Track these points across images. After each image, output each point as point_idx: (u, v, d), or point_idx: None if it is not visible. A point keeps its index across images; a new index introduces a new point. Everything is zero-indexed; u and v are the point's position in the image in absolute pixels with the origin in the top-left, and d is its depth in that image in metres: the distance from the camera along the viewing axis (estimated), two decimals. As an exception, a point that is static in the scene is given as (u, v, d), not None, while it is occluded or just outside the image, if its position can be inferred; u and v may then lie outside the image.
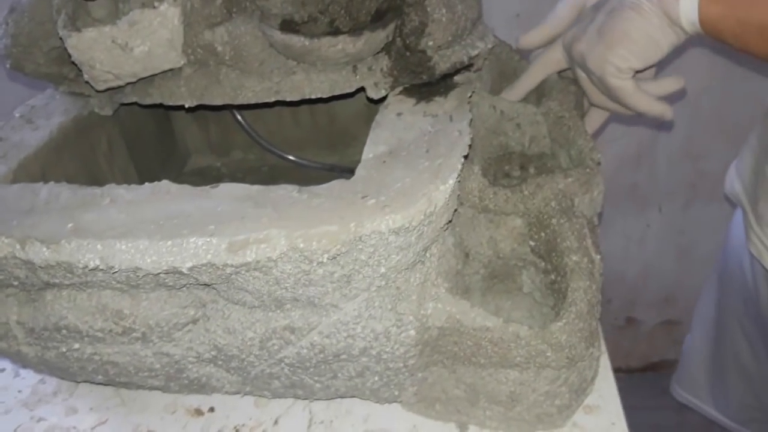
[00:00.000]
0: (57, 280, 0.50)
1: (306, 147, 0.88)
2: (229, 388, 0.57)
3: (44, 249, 0.47)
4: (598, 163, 0.63)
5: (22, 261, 0.48)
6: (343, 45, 0.58)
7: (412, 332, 0.50)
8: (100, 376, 0.57)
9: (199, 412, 0.60)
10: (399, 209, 0.45)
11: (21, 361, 0.58)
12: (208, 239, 0.45)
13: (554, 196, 0.58)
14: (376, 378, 0.54)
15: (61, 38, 0.62)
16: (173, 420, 0.59)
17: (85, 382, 0.61)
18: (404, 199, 0.46)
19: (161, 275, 0.47)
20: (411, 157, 0.51)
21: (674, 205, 1.45)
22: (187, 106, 0.64)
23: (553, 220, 0.57)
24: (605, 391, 0.57)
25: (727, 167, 0.84)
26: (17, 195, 0.53)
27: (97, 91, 0.64)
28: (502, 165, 0.69)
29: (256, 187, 0.51)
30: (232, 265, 0.45)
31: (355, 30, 0.61)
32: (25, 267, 0.49)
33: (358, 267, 0.46)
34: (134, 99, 0.66)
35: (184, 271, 0.46)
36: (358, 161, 0.88)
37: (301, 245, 0.44)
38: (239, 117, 0.82)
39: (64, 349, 0.54)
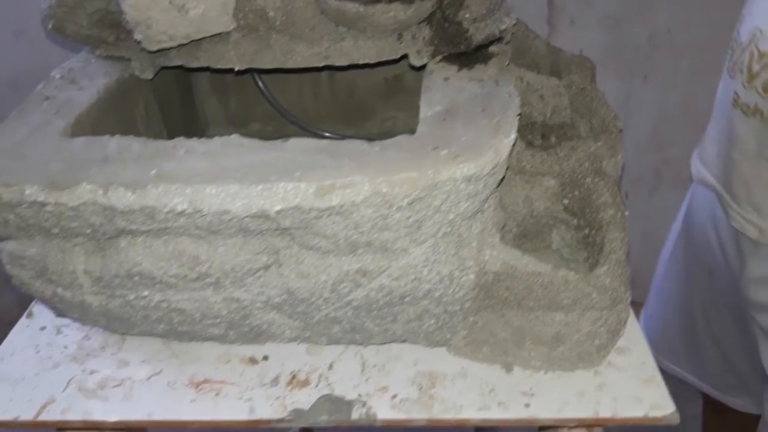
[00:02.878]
0: (134, 227, 0.51)
1: (324, 119, 0.91)
2: (288, 335, 0.60)
3: (129, 194, 0.49)
4: (620, 131, 0.68)
5: (103, 207, 0.50)
6: (395, 12, 0.61)
7: (472, 276, 0.54)
8: (162, 326, 0.59)
9: (253, 361, 0.62)
10: (471, 159, 0.49)
11: (81, 311, 0.59)
12: (297, 184, 0.48)
13: (587, 158, 0.63)
14: (433, 321, 0.57)
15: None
16: (229, 369, 0.62)
17: (139, 335, 0.63)
18: (474, 150, 0.50)
19: (246, 219, 0.49)
20: (468, 115, 0.55)
21: (640, 191, 1.54)
22: (236, 69, 0.66)
23: (587, 179, 0.62)
24: (632, 335, 0.63)
25: (690, 155, 0.93)
26: (85, 146, 0.55)
27: (150, 52, 0.65)
28: (525, 134, 0.73)
29: (325, 141, 0.54)
30: (317, 209, 0.48)
31: None
32: (102, 214, 0.51)
33: (430, 213, 0.50)
34: (179, 62, 0.67)
35: (272, 214, 0.49)
36: (376, 134, 0.92)
37: (384, 190, 0.48)
38: (262, 85, 0.84)
39: (131, 297, 0.56)
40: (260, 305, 0.57)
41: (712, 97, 1.21)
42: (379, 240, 0.51)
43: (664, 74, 1.38)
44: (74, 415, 0.58)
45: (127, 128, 0.70)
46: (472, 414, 0.56)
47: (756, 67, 0.74)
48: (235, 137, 0.55)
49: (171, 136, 0.79)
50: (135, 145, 0.54)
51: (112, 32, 0.69)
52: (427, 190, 0.48)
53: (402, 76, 0.88)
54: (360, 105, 0.91)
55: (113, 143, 0.55)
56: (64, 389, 0.60)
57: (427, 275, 0.53)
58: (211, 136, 0.93)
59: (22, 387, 0.61)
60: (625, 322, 0.61)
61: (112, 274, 0.54)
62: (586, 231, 0.63)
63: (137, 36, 0.63)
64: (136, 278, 0.54)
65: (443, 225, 0.51)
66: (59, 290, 0.57)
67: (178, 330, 0.60)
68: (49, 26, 0.67)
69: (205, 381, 0.61)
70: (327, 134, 0.88)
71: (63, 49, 1.11)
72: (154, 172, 0.50)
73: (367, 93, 0.90)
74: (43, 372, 0.62)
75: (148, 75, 0.70)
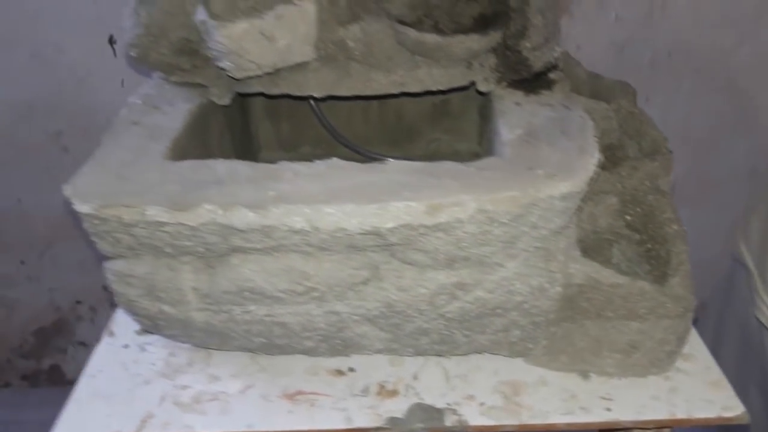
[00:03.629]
0: (248, 245, 0.55)
1: (371, 142, 0.95)
2: (377, 346, 0.63)
3: (249, 213, 0.52)
4: (671, 152, 0.73)
5: (222, 226, 0.53)
6: (471, 43, 0.66)
7: (559, 288, 0.58)
8: (260, 339, 0.62)
9: (340, 372, 0.65)
10: (566, 178, 0.53)
11: (182, 327, 0.62)
12: (408, 203, 0.51)
13: (647, 177, 0.68)
14: (518, 332, 0.61)
15: (193, 29, 0.67)
16: (318, 380, 0.64)
17: (232, 349, 0.65)
18: (566, 170, 0.54)
19: (357, 236, 0.53)
20: (550, 138, 0.60)
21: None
22: (317, 96, 0.69)
23: (650, 197, 0.67)
24: (694, 342, 0.67)
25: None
26: (193, 169, 0.58)
27: (230, 79, 0.69)
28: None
29: (420, 163, 0.58)
30: (425, 226, 0.52)
31: (462, 31, 0.69)
32: (219, 233, 0.54)
33: (526, 229, 0.54)
34: (259, 89, 0.71)
35: (383, 231, 0.52)
36: (421, 155, 0.96)
37: (489, 207, 0.51)
38: (318, 110, 0.88)
39: (237, 312, 0.59)
40: (357, 318, 0.60)
41: (710, 117, 1.27)
42: (477, 255, 0.55)
43: (665, 96, 1.45)
44: (175, 429, 0.60)
45: (207, 151, 0.73)
46: (558, 419, 0.60)
47: None
48: (336, 160, 0.58)
49: (237, 158, 0.82)
50: (242, 168, 0.58)
51: (188, 60, 0.72)
52: (527, 207, 0.52)
53: (449, 101, 0.92)
54: (407, 128, 0.95)
55: (221, 166, 0.58)
56: (160, 404, 0.63)
57: (519, 288, 0.57)
58: (263, 159, 0.98)
59: (117, 403, 0.63)
60: (689, 330, 0.65)
61: (222, 290, 0.57)
62: (649, 245, 0.67)
63: (224, 64, 0.67)
64: (247, 293, 0.57)
65: (536, 240, 0.55)
66: (165, 307, 0.59)
67: (275, 343, 0.62)
68: (133, 54, 0.70)
69: (298, 393, 0.63)
70: (377, 155, 0.92)
71: (75, 74, 1.14)
72: (272, 193, 0.53)
73: (414, 117, 0.94)
74: (135, 388, 0.65)
75: (225, 101, 0.73)
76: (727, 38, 1.21)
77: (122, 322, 0.73)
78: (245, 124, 0.91)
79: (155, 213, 0.53)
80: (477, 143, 0.93)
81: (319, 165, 0.58)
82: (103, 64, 1.14)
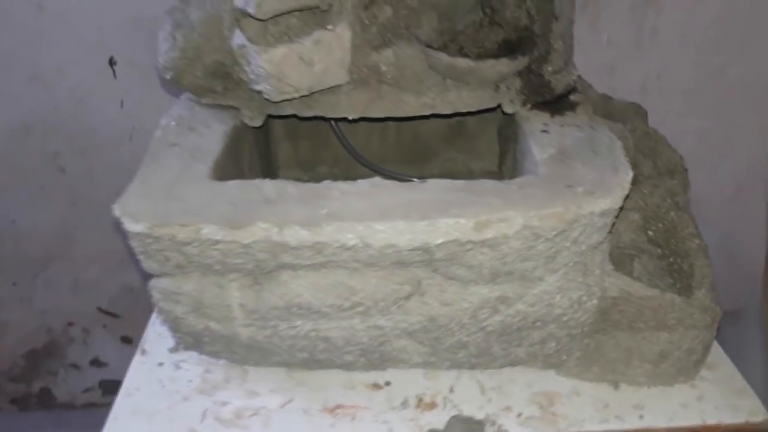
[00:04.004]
0: (297, 261, 0.56)
1: (388, 161, 0.97)
2: (415, 360, 0.65)
3: (303, 231, 0.54)
4: (686, 170, 0.77)
5: (274, 244, 0.54)
6: (501, 66, 0.69)
7: (595, 301, 0.60)
8: (303, 354, 0.63)
9: (377, 386, 0.66)
10: (605, 195, 0.56)
11: (225, 343, 0.63)
12: (457, 220, 0.54)
13: (667, 194, 0.71)
14: (554, 344, 0.63)
15: (228, 53, 0.69)
16: (356, 394, 0.66)
17: (272, 365, 0.66)
18: (604, 187, 0.57)
19: (405, 252, 0.55)
20: (582, 157, 0.62)
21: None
22: (350, 118, 0.72)
23: (672, 213, 0.70)
24: (715, 351, 0.70)
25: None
26: (240, 189, 0.60)
27: (271, 102, 0.70)
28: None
29: (461, 182, 0.60)
30: (473, 242, 0.54)
31: (486, 55, 0.72)
32: (270, 250, 0.55)
33: (568, 244, 0.56)
34: (292, 112, 0.73)
35: (432, 246, 0.54)
36: (437, 174, 0.98)
37: (535, 224, 0.54)
38: (338, 131, 0.90)
39: (282, 327, 0.60)
40: (398, 332, 0.61)
41: (699, 136, 1.32)
42: (520, 269, 0.57)
43: (655, 116, 1.50)
44: (219, 445, 0.61)
45: (239, 171, 0.74)
46: (595, 426, 0.62)
47: None
48: (378, 179, 0.60)
49: (263, 177, 0.84)
50: (290, 187, 0.59)
51: (221, 83, 0.74)
52: (570, 223, 0.55)
53: (464, 122, 0.95)
54: (423, 148, 0.97)
55: (267, 186, 0.60)
56: (202, 420, 0.63)
57: (559, 301, 0.59)
58: (282, 178, 0.99)
59: (158, 420, 0.63)
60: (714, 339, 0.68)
61: (270, 305, 0.58)
62: (671, 259, 0.70)
63: (261, 87, 0.68)
64: (294, 309, 0.58)
65: (576, 255, 0.58)
66: (212, 324, 0.60)
67: (316, 358, 0.64)
68: (168, 77, 0.72)
69: (338, 406, 0.64)
70: (396, 175, 0.94)
71: (75, 95, 1.15)
72: (324, 211, 0.55)
73: (430, 137, 0.97)
74: (174, 405, 0.65)
75: (257, 123, 0.75)
76: (714, 61, 1.26)
77: (153, 341, 0.73)
78: (267, 145, 0.92)
79: (210, 231, 0.54)
80: (492, 163, 0.96)
81: (363, 183, 0.60)
82: (103, 85, 1.14)
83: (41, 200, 1.28)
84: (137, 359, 0.71)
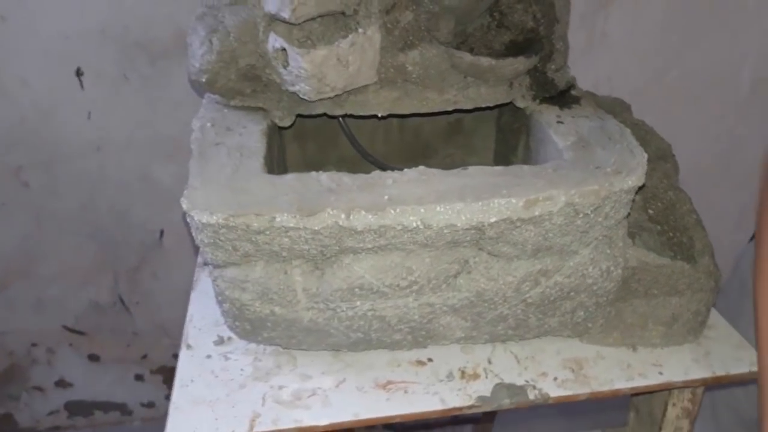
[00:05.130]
0: (359, 245, 0.61)
1: (391, 158, 1.02)
2: (457, 335, 0.70)
3: (369, 216, 0.58)
4: (674, 155, 0.86)
5: (341, 228, 0.59)
6: (518, 64, 0.75)
7: (620, 270, 0.68)
8: (358, 334, 0.67)
9: (421, 363, 0.71)
10: (630, 174, 0.63)
11: (286, 327, 0.66)
12: (508, 199, 0.60)
13: (664, 176, 0.80)
14: (582, 312, 0.70)
15: (260, 56, 0.73)
16: (403, 371, 0.70)
17: (322, 349, 0.70)
18: (627, 167, 0.64)
19: (460, 232, 0.60)
20: (600, 142, 0.70)
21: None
22: (380, 115, 0.77)
23: (670, 192, 0.79)
24: (712, 313, 0.79)
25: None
26: (299, 181, 0.64)
27: (306, 101, 0.74)
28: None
29: (499, 168, 0.66)
30: (522, 219, 0.60)
31: (494, 55, 0.79)
32: (336, 235, 0.60)
33: (600, 219, 0.63)
34: (323, 111, 0.77)
35: (486, 225, 0.60)
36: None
37: (577, 200, 0.61)
38: (348, 130, 0.95)
39: (343, 308, 0.64)
40: (446, 309, 0.67)
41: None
42: (559, 244, 0.64)
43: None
44: (286, 424, 0.64)
45: (269, 167, 0.78)
46: (623, 384, 0.69)
47: None
48: (423, 168, 0.66)
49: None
50: (345, 178, 0.64)
51: (250, 85, 0.77)
52: (604, 199, 0.62)
53: (461, 120, 1.02)
54: (424, 145, 1.03)
55: (323, 177, 0.64)
56: (263, 404, 0.66)
57: (591, 271, 0.66)
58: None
59: (221, 407, 0.66)
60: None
61: (334, 288, 0.62)
62: (670, 234, 0.79)
63: (299, 88, 0.72)
64: (356, 290, 0.62)
65: (605, 228, 0.65)
66: (277, 309, 0.64)
67: (369, 338, 0.68)
68: (203, 80, 0.75)
69: (389, 382, 0.69)
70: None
71: (39, 107, 1.13)
72: (386, 197, 0.60)
73: (430, 135, 1.03)
74: (232, 392, 0.68)
75: (287, 123, 0.79)
76: (657, 64, 1.37)
77: (196, 336, 0.75)
78: (281, 145, 0.96)
79: (284, 219, 0.58)
80: (487, 158, 1.02)
81: (411, 172, 0.65)
82: (68, 96, 1.13)
83: (2, 216, 1.25)
84: (184, 353, 0.73)
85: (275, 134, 0.81)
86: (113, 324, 1.46)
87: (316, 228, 0.58)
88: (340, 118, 0.95)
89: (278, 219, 0.58)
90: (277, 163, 0.84)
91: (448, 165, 1.06)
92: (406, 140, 1.03)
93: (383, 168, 0.99)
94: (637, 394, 0.81)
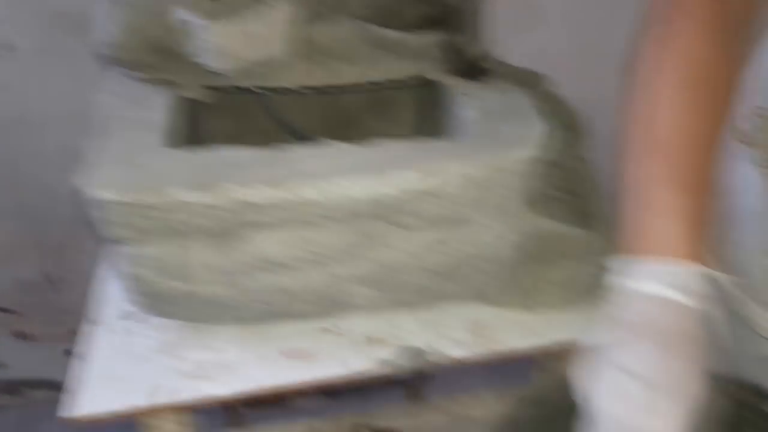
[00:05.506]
0: (261, 219, 0.62)
1: (313, 132, 1.03)
2: (362, 303, 0.72)
3: (268, 189, 0.59)
4: (581, 124, 0.89)
5: (239, 203, 0.60)
6: (426, 39, 0.77)
7: (516, 237, 0.71)
8: (264, 306, 0.68)
9: (327, 330, 0.72)
10: (525, 146, 0.66)
11: (187, 302, 0.67)
12: (405, 171, 0.61)
13: (566, 145, 0.83)
14: (482, 277, 0.73)
15: (168, 28, 0.72)
16: (309, 339, 0.71)
17: (225, 323, 0.71)
18: (524, 140, 0.67)
19: (361, 204, 0.62)
20: (502, 115, 0.72)
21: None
22: (290, 87, 0.77)
23: (570, 162, 0.82)
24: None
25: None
26: (199, 155, 0.64)
27: (211, 74, 0.74)
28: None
29: (404, 143, 0.67)
30: (418, 191, 0.62)
31: (407, 28, 0.80)
32: (235, 209, 0.60)
33: (496, 189, 0.66)
34: (231, 83, 0.77)
35: (384, 197, 0.62)
36: (360, 142, 1.05)
37: (471, 172, 0.63)
38: (268, 104, 0.95)
39: (246, 282, 0.65)
40: (351, 278, 0.69)
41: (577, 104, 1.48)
42: (456, 214, 0.66)
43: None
44: (188, 394, 0.65)
45: (180, 142, 0.78)
46: (518, 344, 0.73)
47: None
48: (333, 143, 0.67)
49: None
50: (245, 153, 0.64)
51: (160, 58, 0.76)
52: (498, 171, 0.64)
53: (381, 92, 1.02)
54: (344, 118, 1.04)
55: (224, 152, 0.64)
56: (165, 375, 0.67)
57: (488, 239, 0.69)
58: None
59: (125, 381, 0.66)
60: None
61: (236, 262, 0.63)
62: (571, 201, 0.82)
63: (206, 60, 0.72)
64: (260, 263, 0.64)
65: (501, 198, 0.67)
66: (175, 283, 0.65)
67: (274, 310, 0.69)
68: (108, 52, 0.74)
69: (293, 350, 0.71)
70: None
71: None
72: (287, 171, 0.61)
73: (350, 107, 1.03)
74: (136, 365, 0.68)
75: (196, 95, 0.79)
76: (589, 37, 1.40)
77: (99, 311, 0.75)
78: (196, 120, 0.95)
79: (179, 194, 0.58)
80: (407, 129, 1.04)
81: (318, 148, 0.66)
82: None
83: None
84: (88, 328, 0.73)
85: (186, 108, 0.81)
86: (40, 301, 1.44)
87: (212, 202, 0.59)
88: (259, 90, 0.95)
89: (173, 194, 0.58)
90: (188, 138, 0.83)
91: (369, 137, 1.08)
92: (326, 113, 1.03)
93: (304, 140, 1.01)
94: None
